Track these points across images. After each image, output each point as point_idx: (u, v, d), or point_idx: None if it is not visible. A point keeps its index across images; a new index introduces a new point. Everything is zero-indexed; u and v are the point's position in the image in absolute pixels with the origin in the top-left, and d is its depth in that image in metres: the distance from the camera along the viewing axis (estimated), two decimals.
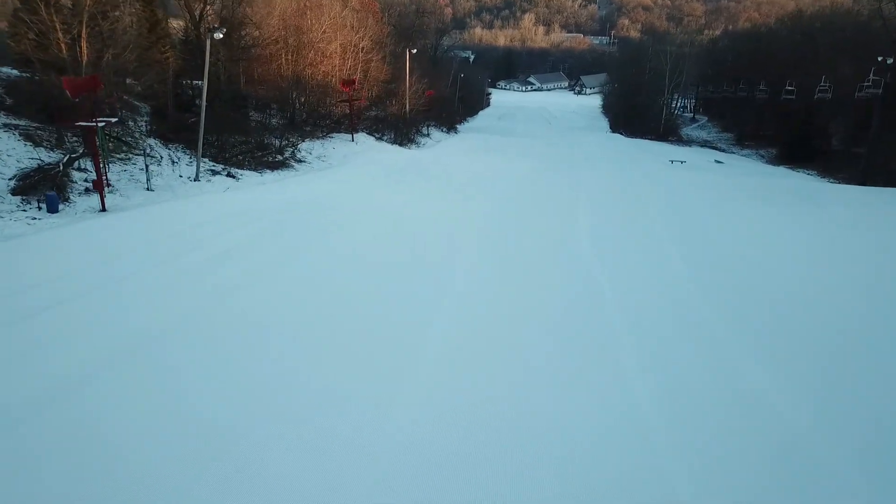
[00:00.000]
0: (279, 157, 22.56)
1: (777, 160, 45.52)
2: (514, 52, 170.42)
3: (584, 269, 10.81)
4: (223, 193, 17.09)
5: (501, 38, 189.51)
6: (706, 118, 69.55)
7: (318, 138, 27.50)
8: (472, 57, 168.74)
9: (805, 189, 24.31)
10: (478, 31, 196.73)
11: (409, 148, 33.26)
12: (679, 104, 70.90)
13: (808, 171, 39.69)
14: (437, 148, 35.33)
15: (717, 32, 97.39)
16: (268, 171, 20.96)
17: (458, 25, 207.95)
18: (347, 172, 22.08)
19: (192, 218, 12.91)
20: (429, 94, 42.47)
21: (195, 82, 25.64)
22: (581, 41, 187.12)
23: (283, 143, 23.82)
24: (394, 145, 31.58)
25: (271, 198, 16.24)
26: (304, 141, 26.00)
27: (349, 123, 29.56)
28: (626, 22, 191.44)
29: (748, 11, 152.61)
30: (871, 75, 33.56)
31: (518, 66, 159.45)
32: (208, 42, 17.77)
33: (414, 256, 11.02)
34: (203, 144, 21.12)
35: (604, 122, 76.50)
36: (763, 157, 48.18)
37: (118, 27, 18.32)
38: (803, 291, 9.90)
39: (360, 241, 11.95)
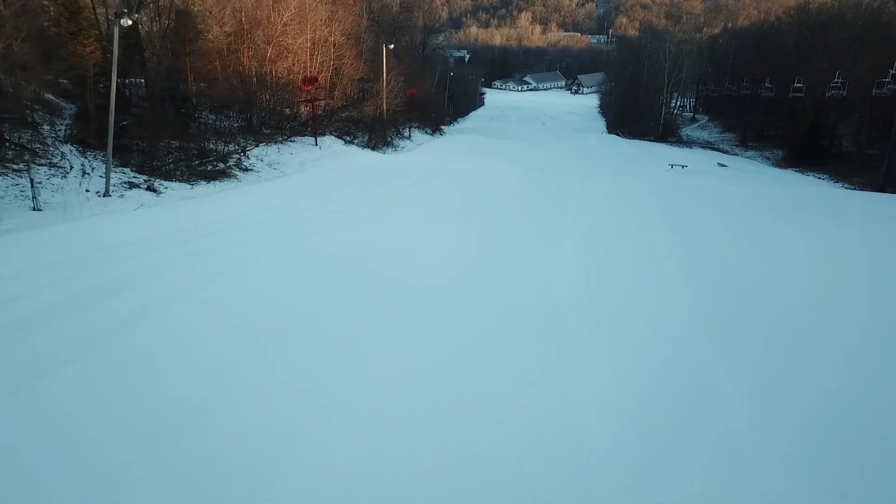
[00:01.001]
0: (220, 166, 19.60)
1: (784, 162, 42.55)
2: (511, 51, 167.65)
3: (559, 330, 7.84)
4: (131, 213, 14.10)
5: (497, 37, 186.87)
6: (707, 118, 66.61)
7: (277, 143, 24.55)
8: (468, 56, 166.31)
9: (824, 199, 21.36)
10: (473, 29, 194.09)
11: (384, 152, 30.30)
12: (678, 103, 68.00)
13: (818, 175, 36.75)
14: (417, 152, 32.37)
15: (717, 31, 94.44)
16: (202, 182, 17.99)
17: (454, 24, 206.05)
18: (297, 184, 19.10)
19: (49, 254, 9.87)
20: (410, 93, 39.51)
21: (138, 80, 22.74)
22: (579, 40, 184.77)
23: (228, 148, 20.84)
24: (365, 149, 28.62)
25: (185, 219, 13.25)
26: (257, 146, 23.04)
27: (313, 125, 26.58)
28: (625, 20, 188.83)
29: (748, 9, 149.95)
30: (893, 70, 30.58)
31: (514, 66, 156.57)
32: (116, 31, 14.79)
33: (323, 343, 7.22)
34: (131, 152, 18.24)
35: (601, 123, 73.56)
36: (769, 159, 45.22)
37: (12, 12, 15.34)
38: (853, 362, 6.96)
39: (257, 298, 8.68)
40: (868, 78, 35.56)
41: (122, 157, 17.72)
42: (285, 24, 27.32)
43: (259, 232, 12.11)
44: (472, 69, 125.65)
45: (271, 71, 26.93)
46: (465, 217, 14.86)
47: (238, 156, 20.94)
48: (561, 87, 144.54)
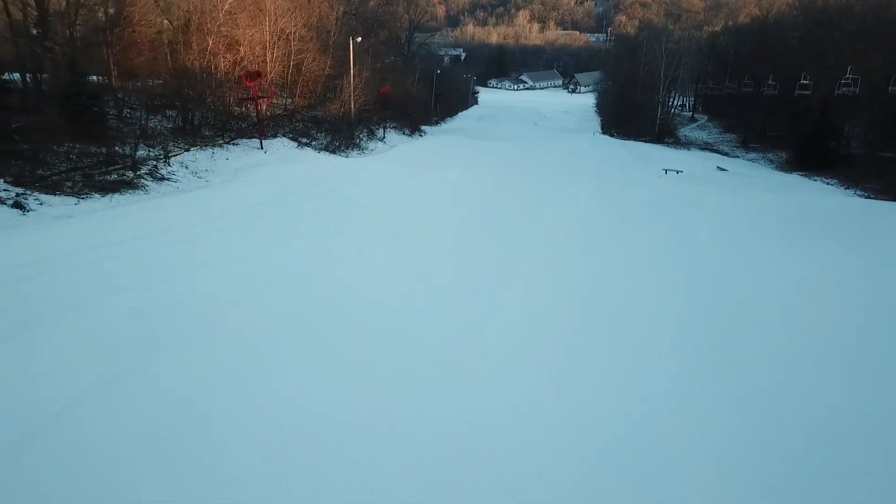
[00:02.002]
0: (129, 175, 16.58)
1: (788, 165, 39.47)
2: (507, 49, 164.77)
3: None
4: None
5: (495, 35, 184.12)
6: (706, 118, 63.51)
7: (216, 146, 21.54)
8: (464, 55, 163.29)
9: (840, 212, 18.32)
10: (470, 27, 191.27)
11: (346, 156, 27.28)
12: (677, 102, 64.91)
13: (826, 180, 33.71)
14: (386, 156, 29.35)
15: (717, 29, 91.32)
16: (96, 195, 14.97)
17: (451, 23, 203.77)
18: (211, 198, 16.02)
19: None
20: (383, 90, 36.51)
21: (42, 76, 19.75)
22: (577, 38, 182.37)
23: (150, 153, 17.83)
24: (321, 153, 25.58)
25: (22, 249, 10.23)
26: (187, 151, 20.04)
27: (258, 127, 23.53)
28: (624, 19, 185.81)
29: (749, 7, 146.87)
30: None
31: (510, 64, 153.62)
32: None
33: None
34: (17, 158, 15.28)
35: (597, 123, 70.35)
36: (772, 161, 42.14)
37: None
38: None
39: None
40: (879, 73, 32.54)
41: (1, 165, 14.74)
42: (229, 13, 24.30)
43: (96, 275, 9.07)
44: (468, 68, 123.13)
45: (213, 65, 23.92)
46: (396, 249, 11.84)
47: (156, 162, 17.92)
48: (558, 86, 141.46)
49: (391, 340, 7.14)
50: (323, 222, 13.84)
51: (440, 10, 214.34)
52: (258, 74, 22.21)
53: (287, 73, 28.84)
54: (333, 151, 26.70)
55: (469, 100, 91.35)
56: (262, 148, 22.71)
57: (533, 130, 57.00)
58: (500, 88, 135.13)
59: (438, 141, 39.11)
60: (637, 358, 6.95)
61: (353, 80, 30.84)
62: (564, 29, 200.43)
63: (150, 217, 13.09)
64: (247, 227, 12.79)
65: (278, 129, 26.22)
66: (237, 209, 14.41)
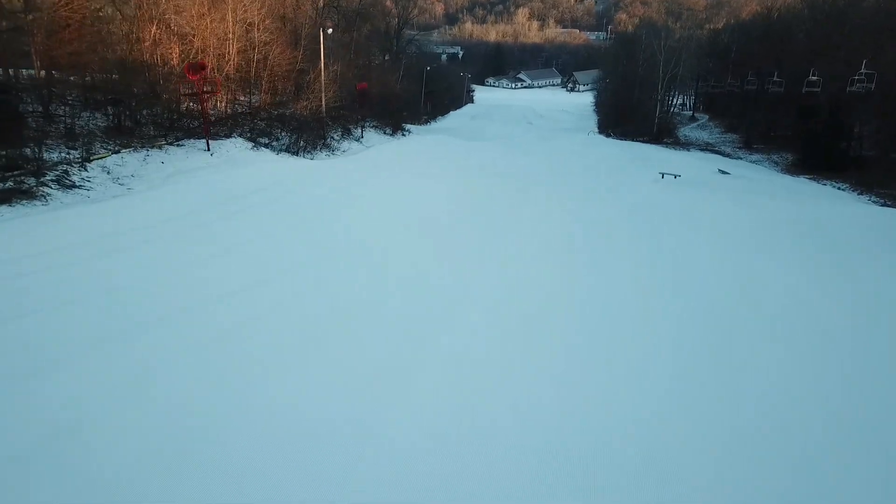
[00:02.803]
0: (28, 183, 14.15)
1: (795, 168, 36.97)
2: (505, 47, 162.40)
3: None
4: None
5: (493, 33, 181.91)
6: (707, 117, 60.94)
7: (155, 147, 19.12)
8: (461, 53, 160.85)
9: (861, 224, 15.85)
10: (468, 25, 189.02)
11: (311, 157, 24.82)
12: (677, 102, 62.37)
13: (836, 184, 31.23)
14: (359, 157, 26.90)
15: (719, 26, 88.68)
16: None
17: (450, 21, 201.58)
18: (110, 214, 13.46)
19: None
20: (361, 86, 34.07)
21: None
22: (577, 36, 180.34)
23: (42, 155, 15.37)
24: (281, 154, 23.10)
25: None
26: (116, 153, 17.61)
27: (203, 126, 21.03)
28: (624, 17, 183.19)
29: (751, 5, 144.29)
30: None
31: (509, 63, 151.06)
32: None
33: None
34: None
35: (595, 122, 67.85)
36: (777, 164, 39.62)
37: None
38: None
39: None
40: (893, 69, 30.06)
41: None
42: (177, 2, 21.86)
43: None
44: (466, 66, 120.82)
45: (157, 56, 21.48)
46: (300, 282, 9.45)
47: (67, 167, 15.48)
48: (557, 85, 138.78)
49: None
50: (249, 238, 11.46)
51: (439, 8, 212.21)
52: (202, 67, 19.73)
53: (251, 68, 26.37)
54: (296, 153, 24.23)
55: (464, 98, 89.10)
56: (208, 150, 20.27)
57: (527, 130, 54.45)
58: (498, 87, 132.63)
59: (421, 141, 36.64)
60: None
61: (323, 74, 28.38)
62: (564, 27, 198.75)
63: (16, 241, 10.60)
64: (137, 251, 10.35)
65: (235, 128, 23.78)
66: (138, 226, 11.96)
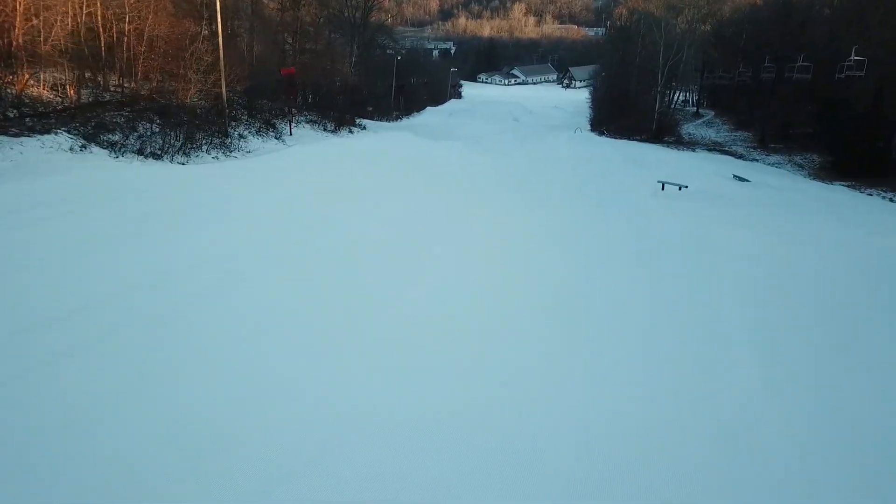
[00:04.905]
0: None
1: (825, 173, 30.32)
2: (499, 42, 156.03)
3: None
4: None
5: (487, 28, 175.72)
6: (713, 113, 54.28)
7: None
8: (454, 48, 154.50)
9: None
10: (462, 20, 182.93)
11: (183, 163, 18.09)
12: (679, 97, 55.76)
13: (883, 193, 24.70)
14: (262, 160, 20.18)
15: (724, 18, 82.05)
16: None
17: (444, 16, 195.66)
18: None
19: None
20: (286, 72, 27.44)
21: None
22: (575, 32, 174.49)
23: None
24: (128, 157, 16.40)
25: None
26: None
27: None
28: (623, 12, 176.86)
29: None
30: None
31: (502, 58, 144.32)
32: None
33: None
34: None
35: (587, 119, 61.32)
36: (801, 166, 32.94)
37: None
38: None
39: None
40: None
41: None
42: None
43: None
44: (457, 62, 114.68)
45: None
46: None
47: None
48: (552, 81, 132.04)
49: None
50: None
51: (433, 4, 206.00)
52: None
53: (99, 43, 19.69)
54: (161, 156, 17.49)
55: (448, 94, 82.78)
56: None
57: (508, 129, 47.60)
58: (490, 83, 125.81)
59: (369, 140, 29.98)
60: None
61: (222, 50, 21.69)
62: (562, 23, 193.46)
63: None
64: None
65: (69, 122, 17.05)
66: None
